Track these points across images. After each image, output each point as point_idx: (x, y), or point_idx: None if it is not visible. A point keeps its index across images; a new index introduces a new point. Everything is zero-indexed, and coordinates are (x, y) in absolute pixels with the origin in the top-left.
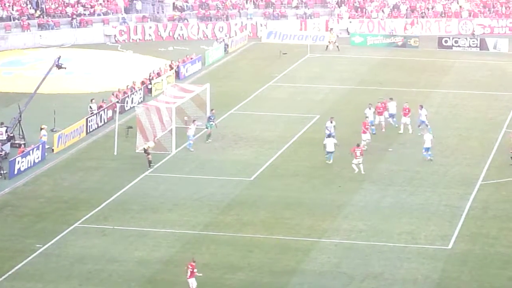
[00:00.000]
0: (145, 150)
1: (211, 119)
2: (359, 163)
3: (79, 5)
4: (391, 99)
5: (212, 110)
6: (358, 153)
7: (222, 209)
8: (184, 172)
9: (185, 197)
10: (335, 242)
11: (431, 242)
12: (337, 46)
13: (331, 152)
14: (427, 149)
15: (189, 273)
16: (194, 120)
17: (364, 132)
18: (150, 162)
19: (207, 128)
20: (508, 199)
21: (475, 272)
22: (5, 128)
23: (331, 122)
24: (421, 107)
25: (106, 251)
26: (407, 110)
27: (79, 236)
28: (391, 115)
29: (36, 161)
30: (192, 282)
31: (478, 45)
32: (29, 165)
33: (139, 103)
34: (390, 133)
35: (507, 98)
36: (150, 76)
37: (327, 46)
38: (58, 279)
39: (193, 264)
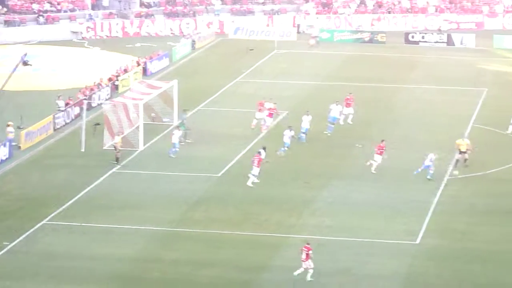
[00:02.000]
0: (115, 147)
1: (184, 119)
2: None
3: (45, 1)
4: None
5: (184, 110)
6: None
7: (191, 205)
8: (152, 168)
9: (153, 193)
10: (303, 238)
11: (399, 238)
12: (317, 42)
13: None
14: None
15: (304, 256)
16: (178, 127)
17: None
18: (117, 159)
19: (184, 129)
20: (475, 194)
21: (443, 266)
22: None
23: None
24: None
25: (74, 248)
26: (350, 100)
27: (46, 233)
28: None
29: (3, 158)
30: (309, 264)
31: (445, 41)
32: None
33: (106, 100)
34: (358, 129)
35: (474, 93)
36: (117, 72)
37: (309, 42)
38: (26, 276)
39: (308, 246)
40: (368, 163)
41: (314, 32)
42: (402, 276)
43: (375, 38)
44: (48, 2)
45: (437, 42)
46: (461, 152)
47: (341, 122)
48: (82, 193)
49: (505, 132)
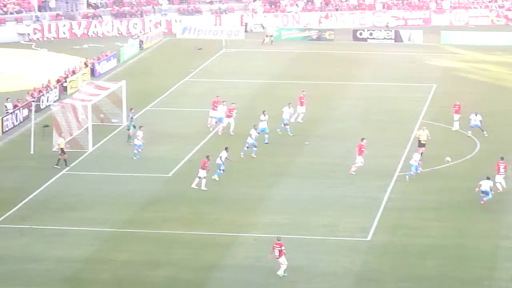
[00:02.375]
0: (62, 150)
1: (132, 119)
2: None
3: None
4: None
5: (131, 109)
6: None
7: (142, 206)
8: (102, 169)
9: (104, 195)
10: (254, 236)
11: (350, 234)
12: (271, 41)
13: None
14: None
15: (277, 253)
16: (141, 126)
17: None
18: (59, 160)
19: (128, 129)
20: (425, 190)
21: (395, 263)
22: None
23: (265, 115)
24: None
25: (25, 251)
26: (303, 98)
27: None
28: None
29: None
30: (283, 261)
31: (393, 37)
32: None
33: (54, 102)
34: (307, 126)
35: (423, 89)
36: (65, 74)
37: (264, 40)
38: None
39: (279, 242)
40: (354, 169)
41: (271, 30)
42: (355, 273)
43: (323, 36)
44: None
45: (385, 38)
46: (420, 144)
47: (292, 120)
48: (32, 195)
49: (453, 129)
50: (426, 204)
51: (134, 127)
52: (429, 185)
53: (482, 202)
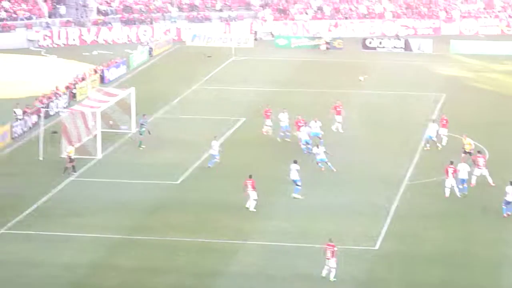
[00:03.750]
0: (70, 158)
1: (143, 125)
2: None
3: (1, 9)
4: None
5: (144, 115)
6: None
7: (148, 212)
8: (110, 176)
9: (111, 201)
10: (261, 244)
11: (357, 243)
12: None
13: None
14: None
15: (330, 254)
16: (215, 136)
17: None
18: (66, 168)
19: (141, 134)
20: (433, 198)
21: (402, 271)
22: None
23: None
24: (433, 121)
25: (31, 257)
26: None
27: (4, 242)
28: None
29: None
30: (333, 263)
31: (402, 46)
32: None
33: (64, 108)
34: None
35: (432, 98)
36: (74, 80)
37: (320, 46)
38: None
39: (331, 244)
40: None
41: (326, 37)
42: (362, 282)
43: (332, 45)
44: (5, 11)
45: (394, 47)
46: (465, 152)
47: (334, 129)
48: (40, 201)
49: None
50: (434, 212)
51: (149, 133)
52: (435, 193)
53: (505, 215)
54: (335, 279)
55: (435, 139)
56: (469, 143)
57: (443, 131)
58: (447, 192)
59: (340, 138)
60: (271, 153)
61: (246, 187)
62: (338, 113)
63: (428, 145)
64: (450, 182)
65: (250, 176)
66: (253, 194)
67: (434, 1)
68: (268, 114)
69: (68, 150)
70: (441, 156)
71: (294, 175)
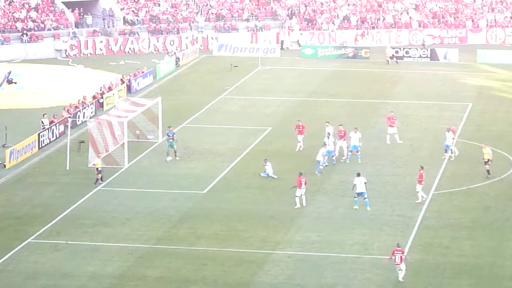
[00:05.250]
0: (97, 169)
1: (169, 136)
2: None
3: (29, 20)
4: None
5: (169, 127)
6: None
7: (175, 222)
8: (137, 186)
9: (138, 211)
10: (288, 254)
11: (384, 253)
12: (396, 61)
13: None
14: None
15: (398, 259)
16: (265, 159)
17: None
18: (97, 179)
19: (172, 147)
20: (459, 208)
21: (428, 282)
22: None
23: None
24: (448, 130)
25: (59, 267)
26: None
27: (31, 251)
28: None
29: None
30: (402, 267)
31: (429, 56)
32: None
33: (91, 118)
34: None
35: (458, 108)
36: (101, 90)
37: (388, 61)
38: None
39: (400, 249)
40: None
41: (389, 52)
42: None
43: (359, 54)
44: (32, 21)
45: (420, 57)
46: (486, 162)
47: (388, 142)
48: (67, 211)
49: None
50: (460, 222)
51: (176, 141)
52: (463, 203)
53: None
54: (402, 280)
55: (453, 148)
56: (487, 153)
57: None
58: (419, 197)
59: (366, 148)
60: (297, 163)
61: (299, 184)
62: (392, 124)
63: (446, 154)
64: (419, 187)
65: (301, 174)
66: (299, 191)
67: (461, 10)
68: (300, 129)
69: (94, 162)
70: (468, 166)
71: (361, 188)
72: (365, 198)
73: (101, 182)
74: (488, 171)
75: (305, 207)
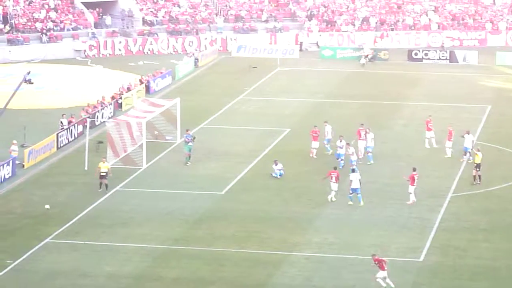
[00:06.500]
0: (102, 175)
1: (187, 140)
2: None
3: (48, 20)
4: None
5: (187, 130)
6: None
7: (193, 223)
8: (155, 186)
9: (156, 211)
10: (306, 256)
11: (402, 255)
12: (371, 61)
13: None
14: (355, 190)
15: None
16: (275, 160)
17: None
18: (101, 184)
19: (189, 151)
20: (478, 211)
21: (446, 284)
22: None
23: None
24: (468, 132)
25: (77, 266)
26: (431, 123)
27: (49, 251)
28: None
29: (7, 176)
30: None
31: (448, 58)
32: None
33: (109, 118)
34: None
35: (477, 110)
36: (120, 91)
37: (360, 60)
38: None
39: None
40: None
41: (366, 51)
42: None
43: (378, 56)
44: (51, 21)
45: (440, 59)
46: (476, 166)
47: (427, 146)
48: (85, 211)
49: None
50: (478, 225)
51: (194, 139)
52: (481, 206)
53: None
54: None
55: (472, 150)
56: (478, 157)
57: (449, 144)
58: (411, 199)
59: (384, 149)
60: (316, 164)
61: (330, 177)
62: (429, 129)
63: (464, 157)
64: (411, 189)
65: (335, 168)
66: (334, 186)
67: (480, 12)
68: (315, 135)
69: (102, 168)
70: (485, 168)
71: (355, 184)
72: (358, 194)
73: (106, 190)
74: (474, 176)
75: (322, 209)
